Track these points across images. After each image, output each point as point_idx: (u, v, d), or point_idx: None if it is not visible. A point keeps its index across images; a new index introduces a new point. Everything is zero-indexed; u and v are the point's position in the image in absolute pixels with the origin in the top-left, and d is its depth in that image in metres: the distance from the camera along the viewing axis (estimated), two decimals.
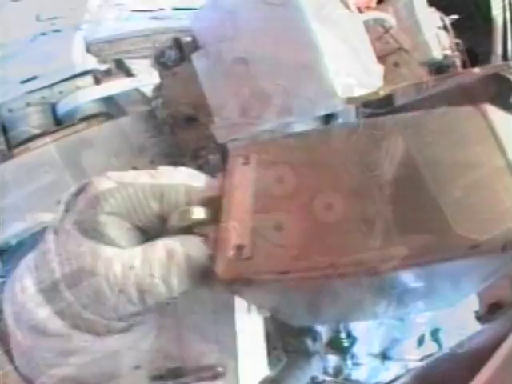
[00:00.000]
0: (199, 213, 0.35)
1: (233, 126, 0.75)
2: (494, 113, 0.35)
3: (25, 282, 0.36)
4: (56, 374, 0.38)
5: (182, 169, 0.40)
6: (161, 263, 0.34)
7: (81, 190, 0.37)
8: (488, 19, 2.32)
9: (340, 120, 0.74)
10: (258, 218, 0.33)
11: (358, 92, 0.64)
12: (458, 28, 1.99)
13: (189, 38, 0.83)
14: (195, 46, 0.80)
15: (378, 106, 0.67)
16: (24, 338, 0.37)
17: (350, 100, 0.63)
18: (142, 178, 0.37)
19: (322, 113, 0.71)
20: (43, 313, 0.35)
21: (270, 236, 0.33)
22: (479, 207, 0.30)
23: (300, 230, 0.33)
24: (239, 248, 0.32)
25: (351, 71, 0.66)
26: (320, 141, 0.36)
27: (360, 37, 0.79)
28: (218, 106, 0.76)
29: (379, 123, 0.35)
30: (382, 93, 0.63)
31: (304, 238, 0.32)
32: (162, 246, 0.35)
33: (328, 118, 0.75)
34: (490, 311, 0.76)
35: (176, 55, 0.82)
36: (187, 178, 0.38)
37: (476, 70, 0.76)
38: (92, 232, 0.35)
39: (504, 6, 2.21)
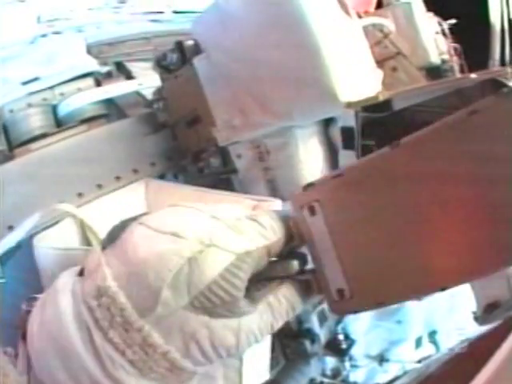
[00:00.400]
0: (297, 265, 0.41)
1: (234, 128, 0.76)
2: None
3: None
4: None
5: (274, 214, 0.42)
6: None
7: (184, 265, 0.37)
8: (487, 24, 2.34)
9: (339, 124, 0.75)
10: (347, 261, 0.37)
11: (358, 96, 0.65)
12: (456, 32, 2.01)
13: (191, 42, 0.83)
14: (197, 49, 0.81)
15: (376, 110, 0.68)
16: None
17: (349, 104, 0.64)
18: (257, 239, 0.39)
19: (322, 117, 0.72)
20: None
21: (362, 274, 0.36)
22: None
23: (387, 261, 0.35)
24: (340, 291, 0.38)
25: (351, 76, 0.66)
26: (370, 170, 0.37)
27: (359, 42, 0.80)
28: (219, 109, 0.76)
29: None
30: (381, 97, 0.64)
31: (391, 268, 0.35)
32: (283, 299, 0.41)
33: (328, 122, 0.76)
34: (487, 311, 0.77)
35: (178, 58, 0.83)
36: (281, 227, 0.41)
37: (473, 75, 0.77)
38: (227, 314, 0.37)
39: (502, 12, 2.24)
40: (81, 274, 0.41)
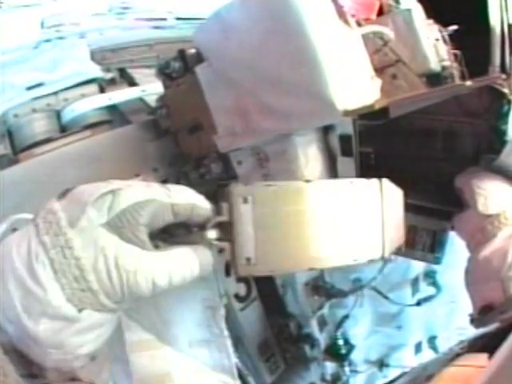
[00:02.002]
0: (212, 234, 0.54)
1: (234, 135, 0.77)
2: None
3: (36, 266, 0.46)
4: (82, 352, 0.49)
5: (189, 190, 0.55)
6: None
7: (109, 193, 0.49)
8: (487, 30, 2.34)
9: (337, 131, 0.76)
10: (259, 239, 0.54)
11: (355, 105, 0.66)
12: (456, 39, 2.02)
13: (193, 50, 0.85)
14: (199, 57, 0.82)
15: (373, 118, 0.69)
16: (44, 330, 0.46)
17: (346, 113, 0.65)
18: (161, 195, 0.52)
19: (321, 124, 0.73)
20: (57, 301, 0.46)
21: (266, 249, 0.54)
22: None
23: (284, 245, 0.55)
24: (248, 259, 0.53)
25: (349, 85, 0.68)
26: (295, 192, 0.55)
27: (358, 51, 0.82)
28: (221, 117, 0.78)
29: None
30: (377, 106, 0.65)
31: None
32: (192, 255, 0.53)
33: (326, 129, 0.78)
34: (482, 313, 0.78)
35: (180, 67, 0.84)
36: (195, 200, 0.54)
37: (468, 82, 0.79)
38: (131, 237, 0.48)
39: (502, 17, 2.24)
40: None
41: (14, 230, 0.65)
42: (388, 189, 0.62)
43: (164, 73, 0.87)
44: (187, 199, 0.53)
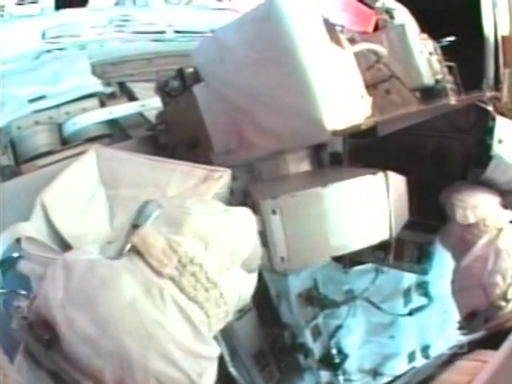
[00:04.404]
0: None
1: (230, 152, 0.80)
2: None
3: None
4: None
5: None
6: None
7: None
8: (481, 43, 2.37)
9: (328, 149, 0.79)
10: (290, 242, 0.67)
11: (344, 125, 0.70)
12: (451, 52, 2.06)
13: (191, 69, 0.88)
14: (197, 77, 0.85)
15: (362, 136, 0.72)
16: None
17: (335, 133, 0.68)
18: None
19: (311, 143, 0.77)
20: None
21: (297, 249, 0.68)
22: None
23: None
24: (282, 258, 0.67)
25: (338, 106, 0.71)
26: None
27: (349, 71, 0.85)
28: (217, 134, 0.81)
29: None
30: (364, 126, 0.68)
31: None
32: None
33: (318, 146, 0.81)
34: (467, 320, 0.81)
35: (179, 85, 0.87)
36: None
37: (453, 101, 0.82)
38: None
39: (495, 30, 2.27)
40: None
41: (18, 240, 0.68)
42: (393, 179, 0.71)
43: (163, 91, 0.90)
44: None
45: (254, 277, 0.60)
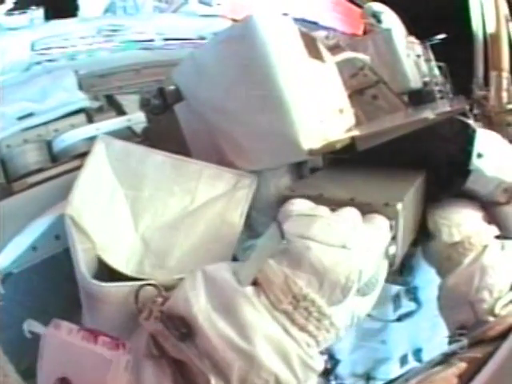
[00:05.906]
0: None
1: None
2: None
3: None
4: None
5: None
6: None
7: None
8: (470, 43, 2.37)
9: (309, 164, 0.80)
10: None
11: (321, 143, 0.71)
12: (441, 52, 2.06)
13: (172, 87, 0.89)
14: (178, 96, 0.86)
15: (341, 152, 0.73)
16: None
17: (312, 152, 0.69)
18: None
19: (288, 162, 0.78)
20: None
21: None
22: None
23: None
24: None
25: (315, 125, 0.72)
26: None
27: (328, 85, 0.86)
28: (199, 154, 0.81)
29: None
30: (338, 145, 0.69)
31: None
32: None
33: (298, 163, 0.82)
34: (457, 335, 0.82)
35: (160, 104, 0.88)
36: None
37: (432, 116, 0.83)
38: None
39: (484, 29, 2.27)
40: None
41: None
42: None
43: (146, 109, 0.91)
44: None
45: (372, 298, 0.63)
